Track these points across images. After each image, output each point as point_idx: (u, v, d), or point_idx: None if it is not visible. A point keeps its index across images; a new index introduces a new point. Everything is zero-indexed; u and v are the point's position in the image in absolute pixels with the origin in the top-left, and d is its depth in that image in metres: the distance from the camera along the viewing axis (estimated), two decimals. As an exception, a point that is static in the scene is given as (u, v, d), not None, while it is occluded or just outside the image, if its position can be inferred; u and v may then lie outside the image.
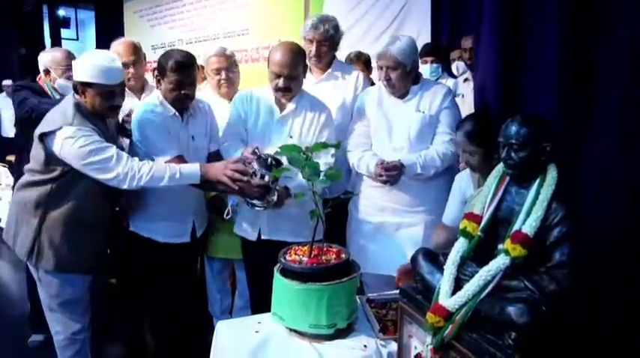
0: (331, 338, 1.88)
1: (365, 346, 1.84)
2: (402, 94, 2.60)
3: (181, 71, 2.45)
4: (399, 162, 2.44)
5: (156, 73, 2.52)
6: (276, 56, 2.44)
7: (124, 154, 2.32)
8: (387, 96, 2.64)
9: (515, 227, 1.53)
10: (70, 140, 2.23)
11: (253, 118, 2.59)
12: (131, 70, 3.05)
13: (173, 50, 2.57)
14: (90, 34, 9.69)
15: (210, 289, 3.23)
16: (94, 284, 2.55)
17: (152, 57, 5.66)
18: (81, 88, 2.31)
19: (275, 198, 2.34)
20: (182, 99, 2.51)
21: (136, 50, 3.10)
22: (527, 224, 1.50)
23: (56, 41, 9.08)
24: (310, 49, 2.85)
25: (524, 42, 2.21)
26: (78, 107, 2.31)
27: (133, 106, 2.73)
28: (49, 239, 2.37)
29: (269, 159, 2.28)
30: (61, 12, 9.36)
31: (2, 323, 3.65)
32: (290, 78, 2.45)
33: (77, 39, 10.12)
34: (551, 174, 1.56)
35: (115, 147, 2.32)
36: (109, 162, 2.26)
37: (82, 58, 2.36)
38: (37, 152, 2.34)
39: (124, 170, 2.26)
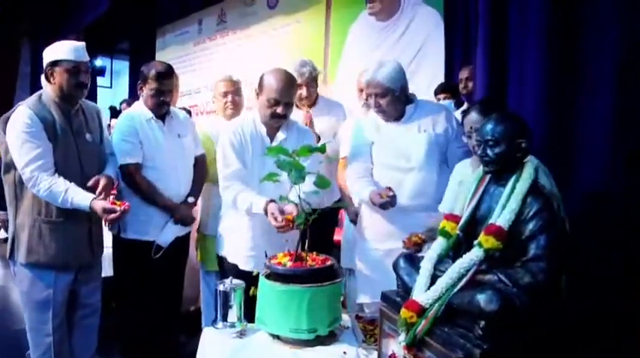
0: (312, 345, 1.85)
1: (344, 353, 1.80)
2: (397, 117, 2.57)
3: (162, 80, 2.73)
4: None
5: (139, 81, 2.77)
6: (274, 83, 2.42)
7: (44, 162, 2.34)
8: (383, 121, 2.61)
9: (491, 221, 1.51)
10: (14, 123, 2.33)
11: (248, 152, 2.54)
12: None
13: (156, 62, 2.84)
14: (122, 82, 10.14)
15: (206, 304, 3.17)
16: (75, 291, 2.56)
17: (179, 104, 5.78)
18: (50, 69, 2.42)
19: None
20: (161, 104, 2.76)
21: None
22: (502, 216, 1.48)
23: (92, 88, 9.50)
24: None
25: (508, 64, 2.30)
26: (40, 96, 2.44)
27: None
28: (21, 228, 2.42)
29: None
30: (99, 62, 9.84)
31: (3, 336, 3.71)
32: (288, 105, 2.48)
33: (111, 86, 10.64)
34: (528, 170, 1.55)
35: (45, 150, 2.34)
36: (27, 156, 2.31)
37: (50, 47, 2.47)
38: (2, 140, 2.41)
39: (32, 174, 2.31)
